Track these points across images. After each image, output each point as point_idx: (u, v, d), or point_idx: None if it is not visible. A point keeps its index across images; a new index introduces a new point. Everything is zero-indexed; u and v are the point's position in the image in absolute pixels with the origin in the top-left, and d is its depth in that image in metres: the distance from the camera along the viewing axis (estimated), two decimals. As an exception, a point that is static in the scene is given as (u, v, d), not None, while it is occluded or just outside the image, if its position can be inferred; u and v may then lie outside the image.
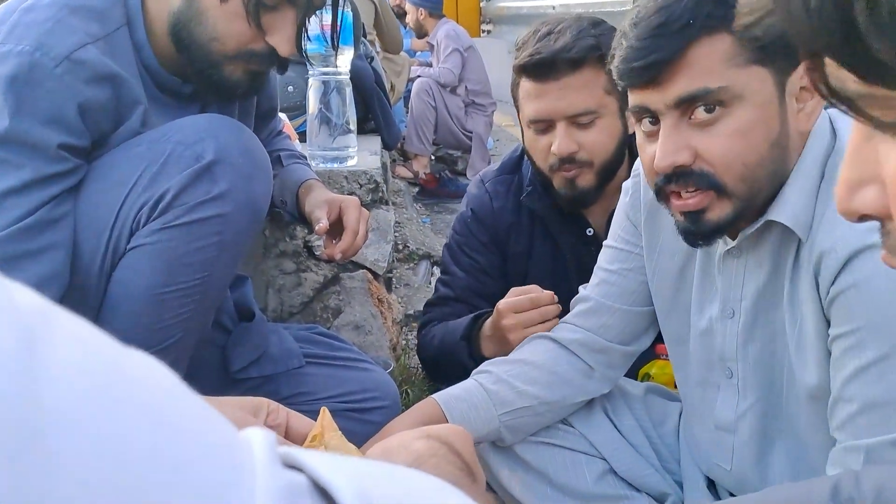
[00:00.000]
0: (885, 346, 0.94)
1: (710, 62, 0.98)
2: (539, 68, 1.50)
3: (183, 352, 1.24)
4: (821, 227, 1.01)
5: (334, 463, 0.31)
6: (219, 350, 1.46)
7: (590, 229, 1.66)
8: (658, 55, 0.98)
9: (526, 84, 1.55)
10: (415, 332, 2.58)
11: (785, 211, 1.03)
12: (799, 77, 0.99)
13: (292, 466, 0.30)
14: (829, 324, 1.02)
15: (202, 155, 1.15)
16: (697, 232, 1.06)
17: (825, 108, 1.07)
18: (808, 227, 1.03)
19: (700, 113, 1.00)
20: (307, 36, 1.31)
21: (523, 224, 1.69)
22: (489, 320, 1.52)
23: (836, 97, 0.42)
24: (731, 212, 1.03)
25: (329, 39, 1.44)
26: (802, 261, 1.05)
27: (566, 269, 1.67)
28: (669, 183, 1.03)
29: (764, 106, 0.99)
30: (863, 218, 0.48)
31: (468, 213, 1.76)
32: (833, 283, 0.98)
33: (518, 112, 1.62)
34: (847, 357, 0.97)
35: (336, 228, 1.42)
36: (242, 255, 1.29)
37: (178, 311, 1.18)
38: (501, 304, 1.46)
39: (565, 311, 1.44)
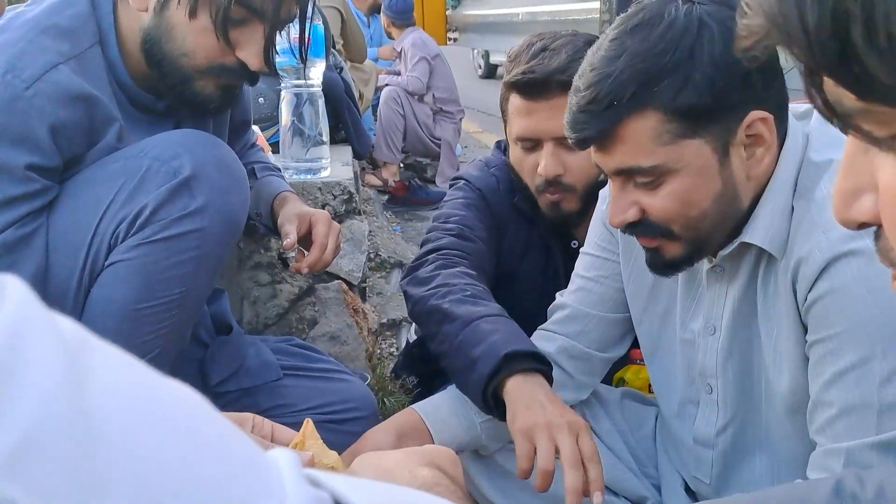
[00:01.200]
0: (863, 350, 0.95)
1: (640, 140, 1.01)
2: (530, 87, 1.47)
3: (162, 366, 1.22)
4: (797, 237, 1.03)
5: (353, 483, 0.32)
6: (197, 364, 1.45)
7: (574, 241, 1.64)
8: (588, 132, 1.03)
9: (515, 100, 1.52)
10: (389, 342, 2.58)
11: (757, 233, 1.06)
12: (745, 129, 1.01)
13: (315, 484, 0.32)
14: (806, 330, 1.04)
15: (179, 170, 1.15)
16: (657, 265, 1.12)
17: (798, 120, 1.10)
18: (783, 244, 1.06)
19: (640, 178, 1.04)
20: (275, 50, 1.31)
21: (521, 220, 1.64)
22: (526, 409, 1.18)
23: (832, 114, 0.44)
24: (683, 252, 1.08)
25: (300, 50, 1.44)
26: (779, 273, 1.07)
27: (557, 277, 1.64)
28: (628, 231, 1.10)
29: (701, 171, 1.02)
30: (862, 225, 0.50)
31: (475, 191, 1.64)
32: (811, 289, 1.00)
33: (505, 125, 1.60)
34: (825, 362, 1.00)
35: (307, 242, 1.43)
36: (220, 269, 1.29)
37: (156, 326, 1.17)
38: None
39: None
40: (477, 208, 1.62)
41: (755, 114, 1.00)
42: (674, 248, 1.08)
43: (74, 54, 1.19)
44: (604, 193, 1.36)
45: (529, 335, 1.42)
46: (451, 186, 1.72)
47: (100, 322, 1.17)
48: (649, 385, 1.60)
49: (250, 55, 1.26)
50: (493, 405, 1.22)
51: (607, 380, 1.63)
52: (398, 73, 5.41)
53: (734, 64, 0.95)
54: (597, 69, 1.01)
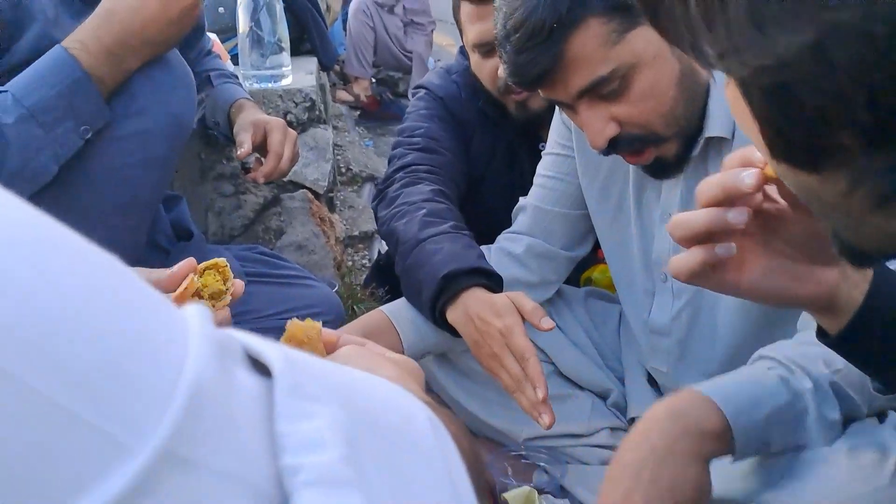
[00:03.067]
0: None
1: (590, 51, 1.00)
2: None
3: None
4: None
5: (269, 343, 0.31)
6: (157, 273, 1.43)
7: (542, 144, 1.63)
8: (538, 68, 1.01)
9: (467, 7, 1.49)
10: (361, 254, 2.57)
11: (715, 125, 1.06)
12: None
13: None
14: None
15: None
16: (665, 171, 1.11)
17: None
18: (732, 126, 1.06)
19: (605, 89, 1.02)
20: None
21: (487, 125, 1.63)
22: (473, 310, 1.19)
23: None
24: (677, 147, 1.08)
25: None
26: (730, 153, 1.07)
27: (523, 177, 1.63)
28: (612, 151, 1.08)
29: (657, 58, 1.01)
30: None
31: (436, 100, 1.62)
32: None
33: (461, 35, 1.57)
34: None
35: (265, 150, 1.40)
36: (171, 172, 1.25)
37: (103, 234, 1.15)
38: (503, 327, 1.15)
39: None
40: (440, 118, 1.60)
41: None
42: (668, 147, 1.07)
43: None
44: None
45: (493, 233, 1.42)
46: (413, 96, 1.69)
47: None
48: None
49: None
50: (444, 325, 1.23)
51: (576, 280, 1.65)
52: None
53: None
54: (520, 6, 1.00)
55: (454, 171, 1.55)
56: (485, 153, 1.65)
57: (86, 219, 1.13)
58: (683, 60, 1.02)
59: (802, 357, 0.90)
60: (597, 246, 1.43)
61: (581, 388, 1.39)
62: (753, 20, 0.38)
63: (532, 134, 1.64)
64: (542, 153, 1.61)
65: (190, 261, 0.80)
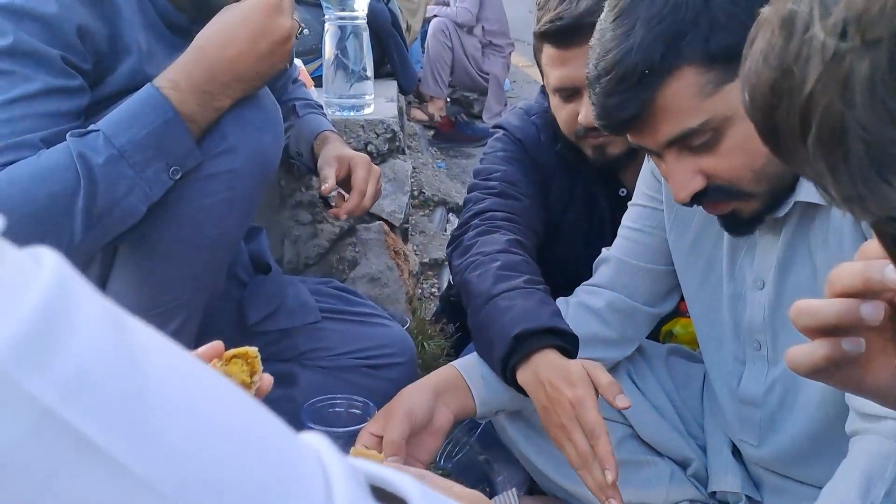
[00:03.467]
0: None
1: (683, 101, 0.97)
2: (561, 34, 1.41)
3: (196, 307, 1.22)
4: None
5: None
6: (235, 303, 1.43)
7: (623, 189, 1.58)
8: (627, 113, 0.98)
9: (549, 50, 1.46)
10: (430, 283, 2.55)
11: (809, 189, 1.01)
12: None
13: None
14: None
15: None
16: (738, 227, 1.08)
17: None
18: None
19: (695, 141, 0.99)
20: None
21: (566, 169, 1.58)
22: (546, 375, 1.14)
23: None
24: (759, 206, 1.04)
25: None
26: (830, 226, 1.03)
27: (602, 225, 1.59)
28: (694, 203, 1.04)
29: None
30: None
31: (514, 141, 1.58)
32: None
33: (542, 77, 1.54)
34: None
35: (348, 185, 1.38)
36: (254, 210, 1.25)
37: (190, 267, 1.14)
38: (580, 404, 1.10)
39: (595, 258, 1.39)
40: (519, 161, 1.56)
41: None
42: (749, 206, 1.03)
43: None
44: None
45: (571, 284, 1.38)
46: (491, 136, 1.65)
47: (132, 263, 1.15)
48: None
49: None
50: (516, 385, 1.18)
51: (656, 333, 1.59)
52: (446, 4, 5.26)
53: None
54: (613, 49, 0.96)
55: (532, 219, 1.51)
56: (563, 199, 1.60)
57: (170, 257, 1.13)
58: None
59: None
60: (680, 299, 1.37)
61: (660, 454, 1.33)
62: (876, 169, 0.37)
63: (613, 179, 1.59)
64: (622, 200, 1.58)
65: (215, 345, 0.76)
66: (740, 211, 1.04)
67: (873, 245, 0.62)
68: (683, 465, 1.33)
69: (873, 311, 0.60)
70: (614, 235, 1.52)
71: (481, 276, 1.29)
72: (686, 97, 0.96)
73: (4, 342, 0.24)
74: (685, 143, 0.99)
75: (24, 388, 0.24)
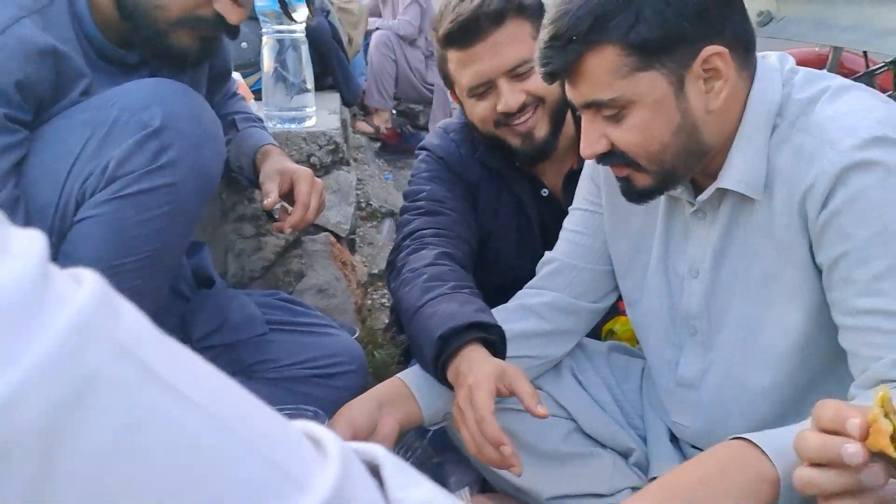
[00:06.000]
0: (893, 253, 0.95)
1: (599, 74, 1.04)
2: (464, 33, 1.45)
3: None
4: (800, 167, 1.03)
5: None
6: (178, 319, 1.43)
7: (544, 190, 1.63)
8: (552, 66, 1.07)
9: (454, 55, 1.49)
10: (380, 293, 2.56)
11: (731, 177, 1.09)
12: (700, 62, 1.02)
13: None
14: (815, 266, 1.04)
15: (149, 122, 1.10)
16: (629, 194, 1.14)
17: (784, 64, 1.11)
18: (761, 185, 1.07)
19: (605, 111, 1.07)
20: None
21: (490, 178, 1.63)
22: (465, 373, 1.17)
23: None
24: (652, 182, 1.11)
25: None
26: (767, 215, 1.08)
27: (531, 227, 1.64)
28: (599, 162, 1.14)
29: (658, 103, 1.04)
30: None
31: (437, 160, 1.63)
32: (824, 207, 1.00)
33: (452, 87, 1.56)
34: (856, 272, 0.98)
35: (291, 198, 1.40)
36: (195, 224, 1.25)
37: (129, 284, 1.14)
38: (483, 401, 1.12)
39: (529, 262, 1.43)
40: (442, 178, 1.60)
41: (710, 48, 1.02)
42: (643, 178, 1.11)
43: (38, 8, 1.15)
44: None
45: (512, 288, 1.41)
46: (416, 158, 1.69)
47: (73, 280, 1.14)
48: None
49: (227, 7, 1.21)
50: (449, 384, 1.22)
51: (597, 332, 1.63)
52: (380, 16, 5.28)
53: None
54: (558, 5, 1.04)
55: (462, 230, 1.54)
56: (491, 207, 1.65)
57: (110, 272, 1.12)
58: (688, 117, 1.05)
59: None
60: (618, 297, 1.41)
61: (603, 446, 1.36)
62: None
63: (534, 182, 1.64)
64: (545, 199, 1.63)
65: None
66: (634, 180, 1.11)
67: (826, 409, 0.68)
68: (625, 454, 1.36)
69: (874, 478, 0.65)
70: (543, 234, 1.57)
71: (410, 291, 1.34)
72: (601, 72, 1.04)
73: (87, 298, 0.29)
74: (597, 108, 1.07)
75: (105, 328, 0.29)
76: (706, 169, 1.12)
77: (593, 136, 1.09)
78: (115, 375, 0.29)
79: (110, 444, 0.28)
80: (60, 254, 1.13)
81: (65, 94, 1.15)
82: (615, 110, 1.06)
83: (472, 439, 1.12)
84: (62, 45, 1.15)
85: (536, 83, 1.44)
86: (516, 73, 1.47)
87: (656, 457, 1.32)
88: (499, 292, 1.43)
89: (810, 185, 1.01)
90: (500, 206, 1.65)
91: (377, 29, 5.09)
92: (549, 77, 1.09)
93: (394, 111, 5.30)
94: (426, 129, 5.22)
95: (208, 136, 1.17)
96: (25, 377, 0.27)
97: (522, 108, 1.49)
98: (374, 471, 0.37)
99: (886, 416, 0.67)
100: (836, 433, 0.69)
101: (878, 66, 2.61)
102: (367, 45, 5.07)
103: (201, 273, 1.46)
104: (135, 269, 1.14)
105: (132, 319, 0.32)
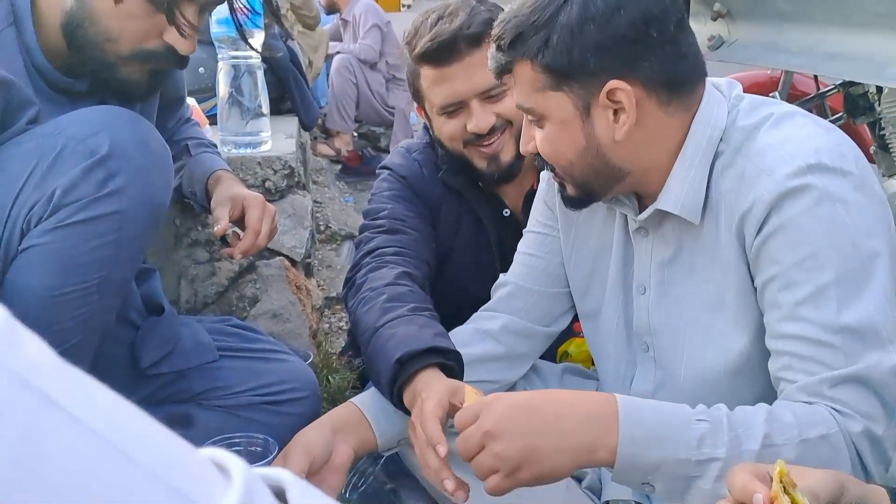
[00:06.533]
0: (816, 279, 0.98)
1: (521, 83, 1.12)
2: (441, 52, 1.47)
3: (85, 353, 1.20)
4: (741, 191, 1.05)
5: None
6: (127, 347, 1.41)
7: (506, 210, 1.66)
8: (491, 65, 1.15)
9: (429, 72, 1.51)
10: (337, 316, 2.55)
11: (669, 200, 1.12)
12: (605, 95, 1.06)
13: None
14: (754, 285, 1.07)
15: (96, 149, 1.09)
16: (563, 198, 1.21)
17: (732, 90, 1.15)
18: (698, 210, 1.10)
19: (530, 117, 1.14)
20: (201, 29, 1.27)
21: (451, 197, 1.65)
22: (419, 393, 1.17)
23: None
24: (574, 193, 1.17)
25: (237, 27, 1.38)
26: (713, 236, 1.10)
27: (489, 247, 1.66)
28: (536, 162, 1.21)
29: (565, 124, 1.10)
30: None
31: (399, 179, 1.64)
32: (758, 234, 1.03)
33: (421, 102, 1.58)
34: (781, 297, 1.01)
35: (242, 224, 1.39)
36: (143, 251, 1.24)
37: (76, 312, 1.13)
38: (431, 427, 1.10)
39: (487, 281, 1.45)
40: (404, 197, 1.62)
41: (614, 83, 1.06)
42: (567, 187, 1.18)
43: None
44: (545, 174, 1.38)
45: (468, 307, 1.42)
46: (378, 177, 1.70)
47: (17, 310, 1.12)
48: (592, 358, 1.61)
49: (177, 38, 1.22)
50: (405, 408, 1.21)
51: (552, 353, 1.64)
52: (340, 40, 5.30)
53: (591, 34, 1.04)
54: (504, 13, 1.12)
55: (421, 250, 1.55)
56: (451, 226, 1.66)
57: (55, 301, 1.11)
58: (592, 142, 1.10)
59: (743, 424, 0.96)
60: (574, 319, 1.43)
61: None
62: None
63: (496, 202, 1.67)
64: (506, 220, 1.65)
65: None
66: (564, 188, 1.18)
67: (736, 481, 0.72)
68: (579, 478, 1.37)
69: None
70: (501, 254, 1.59)
71: (368, 312, 1.33)
72: (524, 81, 1.11)
73: None
74: (525, 113, 1.14)
75: (2, 359, 0.30)
76: (646, 188, 1.15)
77: (526, 136, 1.17)
78: (11, 405, 0.30)
79: (6, 474, 0.29)
80: (5, 282, 1.11)
81: (12, 123, 1.14)
82: (535, 118, 1.13)
83: (418, 444, 1.11)
84: (8, 73, 1.14)
85: (507, 106, 1.48)
86: (489, 95, 1.50)
87: (609, 480, 1.33)
88: (455, 311, 1.44)
89: (748, 210, 1.04)
90: (460, 226, 1.67)
91: (338, 53, 5.12)
92: (495, 75, 1.15)
93: (355, 134, 5.31)
94: (387, 151, 5.24)
95: (156, 164, 1.16)
96: None
97: (492, 131, 1.52)
98: (280, 495, 0.38)
99: (785, 491, 0.70)
100: None
101: (828, 88, 2.68)
102: (328, 69, 5.09)
103: (151, 300, 1.45)
104: (81, 297, 1.12)
105: (33, 349, 0.32)
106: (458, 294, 1.57)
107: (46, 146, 1.11)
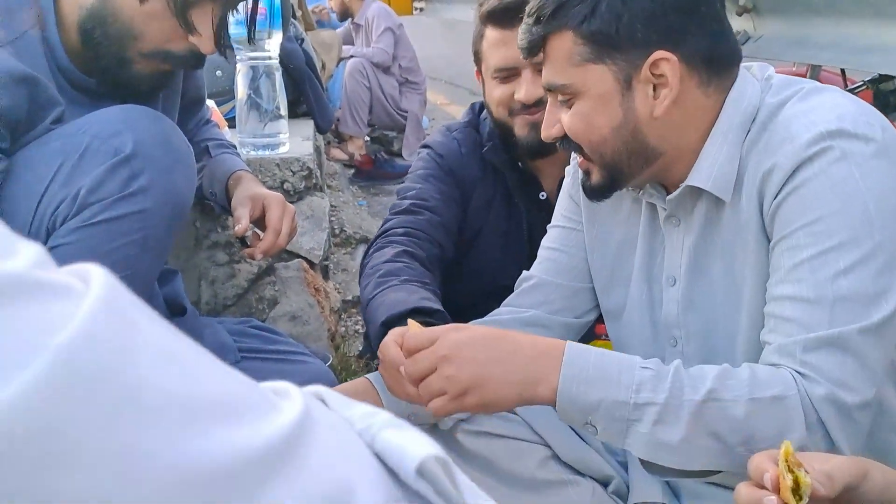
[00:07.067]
0: (822, 243, 0.97)
1: (557, 58, 1.09)
2: (506, 14, 1.50)
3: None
4: (765, 156, 1.04)
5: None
6: (149, 348, 1.40)
7: (543, 193, 1.67)
8: (524, 42, 1.12)
9: (491, 33, 1.55)
10: (353, 319, 2.55)
11: (700, 176, 1.09)
12: (649, 66, 1.05)
13: None
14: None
15: (120, 148, 1.09)
16: (585, 189, 1.18)
17: (764, 72, 1.13)
18: (730, 186, 1.08)
19: (560, 96, 1.12)
20: (227, 31, 1.28)
21: (487, 178, 1.68)
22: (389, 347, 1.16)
23: None
24: (600, 178, 1.14)
25: (248, 27, 1.39)
26: (741, 215, 1.08)
27: (520, 231, 1.68)
28: (562, 147, 1.17)
29: (602, 98, 1.08)
30: None
31: (436, 156, 1.68)
32: (773, 199, 1.02)
33: (480, 64, 1.62)
34: (783, 258, 1.00)
35: (263, 224, 1.39)
36: (167, 251, 1.24)
37: None
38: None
39: (513, 269, 1.45)
40: (435, 177, 1.64)
41: (660, 53, 1.04)
42: (596, 171, 1.14)
43: (10, 39, 1.15)
44: (569, 169, 1.37)
45: (494, 294, 1.44)
46: (418, 156, 1.73)
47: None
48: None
49: (201, 39, 1.22)
50: None
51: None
52: (351, 44, 5.31)
53: (643, 1, 1.03)
54: None
55: (435, 233, 1.57)
56: (482, 208, 1.68)
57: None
58: (630, 117, 1.07)
59: (691, 377, 0.99)
60: (596, 321, 1.41)
61: (581, 474, 1.35)
62: None
63: (534, 185, 1.68)
64: (542, 203, 1.64)
65: None
66: (591, 173, 1.15)
67: (752, 461, 0.77)
68: (605, 482, 1.35)
69: None
70: (531, 240, 1.59)
71: (365, 288, 1.37)
72: (560, 56, 1.08)
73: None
74: (554, 92, 1.12)
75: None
76: (673, 175, 1.13)
77: (551, 119, 1.14)
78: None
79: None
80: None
81: (37, 122, 1.14)
82: (566, 96, 1.10)
83: (386, 371, 1.14)
84: (34, 73, 1.14)
85: None
86: (542, 68, 1.51)
87: (637, 484, 1.31)
88: (483, 299, 1.44)
89: (767, 175, 1.03)
90: (492, 208, 1.69)
91: (351, 56, 5.12)
92: (526, 52, 1.13)
93: (367, 138, 5.31)
94: (400, 155, 5.24)
95: (180, 162, 1.16)
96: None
97: (538, 103, 1.52)
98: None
99: (790, 470, 0.73)
100: (759, 486, 0.76)
101: (856, 84, 2.63)
102: (340, 72, 5.09)
103: (173, 301, 1.45)
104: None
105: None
106: (484, 280, 1.59)
107: (71, 146, 1.11)
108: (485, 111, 1.69)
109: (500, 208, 1.68)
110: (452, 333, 1.03)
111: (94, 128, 1.12)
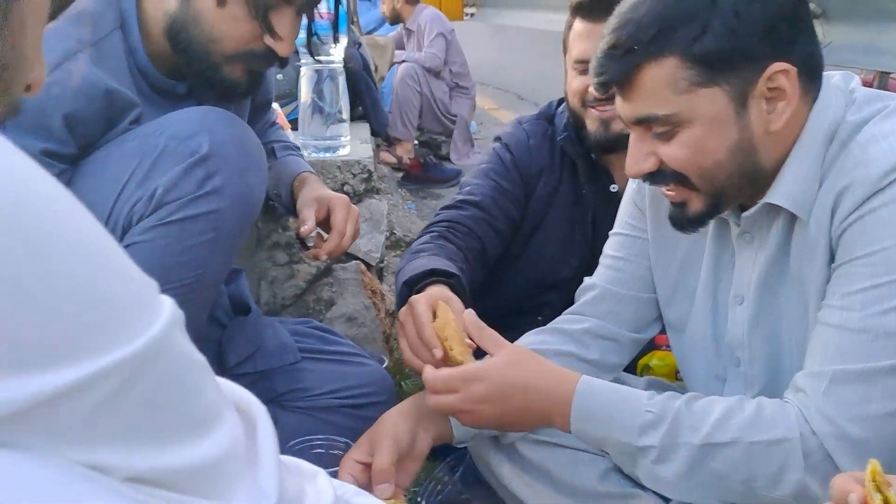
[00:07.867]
0: (878, 275, 0.95)
1: (656, 87, 1.01)
2: (594, 7, 1.53)
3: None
4: (841, 174, 1.01)
5: None
6: (214, 345, 1.42)
7: (614, 186, 1.68)
8: (608, 76, 1.04)
9: (578, 25, 1.59)
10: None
11: (780, 193, 1.06)
12: (765, 80, 1.00)
13: None
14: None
15: (196, 149, 1.11)
16: (679, 221, 1.12)
17: (849, 83, 1.09)
18: (809, 204, 1.05)
19: (657, 128, 1.04)
20: (318, 34, 1.32)
21: (555, 167, 1.71)
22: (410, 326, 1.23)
23: None
24: (704, 205, 1.08)
25: (332, 28, 1.41)
26: (812, 228, 1.05)
27: (584, 220, 1.69)
28: (646, 182, 1.12)
29: (716, 120, 1.02)
30: None
31: (503, 149, 1.73)
32: (845, 219, 1.00)
33: (565, 54, 1.66)
34: (837, 285, 0.99)
35: (326, 226, 1.40)
36: (237, 251, 1.25)
37: None
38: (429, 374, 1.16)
39: (574, 261, 1.45)
40: (496, 172, 1.69)
41: (777, 65, 1.00)
42: (696, 201, 1.08)
43: (94, 41, 1.18)
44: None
45: (556, 278, 1.46)
46: (490, 147, 1.79)
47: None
48: (675, 372, 1.57)
49: (280, 42, 1.24)
50: None
51: (633, 367, 1.61)
52: (402, 48, 5.34)
53: (757, 14, 0.97)
54: (622, 14, 1.02)
55: (477, 226, 1.61)
56: (544, 200, 1.71)
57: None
58: (746, 136, 1.03)
59: (693, 417, 1.02)
60: (658, 331, 1.39)
61: (642, 487, 1.33)
62: None
63: (605, 177, 1.69)
64: (611, 196, 1.65)
65: None
66: (689, 204, 1.09)
67: (836, 482, 0.76)
68: (666, 497, 1.33)
69: None
70: (595, 234, 1.58)
71: (399, 268, 1.44)
72: (660, 85, 1.01)
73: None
74: (648, 125, 1.04)
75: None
76: (757, 194, 1.10)
77: (641, 153, 1.06)
78: None
79: None
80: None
81: (116, 125, 1.17)
82: (668, 127, 1.03)
83: (410, 344, 1.20)
84: (115, 78, 1.17)
85: None
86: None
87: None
88: (541, 289, 1.47)
89: (839, 197, 1.00)
90: (556, 200, 1.71)
91: (403, 61, 5.14)
92: (602, 87, 1.06)
93: (416, 141, 5.33)
94: (448, 159, 5.25)
95: (253, 164, 1.18)
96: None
97: (609, 98, 1.52)
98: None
99: (878, 489, 0.72)
100: None
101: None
102: (391, 76, 5.12)
103: (238, 300, 1.47)
104: (177, 295, 1.13)
105: None
106: (543, 270, 1.63)
107: (148, 146, 1.13)
108: (562, 105, 1.72)
109: (567, 198, 1.70)
110: (473, 386, 1.10)
111: (172, 129, 1.14)
